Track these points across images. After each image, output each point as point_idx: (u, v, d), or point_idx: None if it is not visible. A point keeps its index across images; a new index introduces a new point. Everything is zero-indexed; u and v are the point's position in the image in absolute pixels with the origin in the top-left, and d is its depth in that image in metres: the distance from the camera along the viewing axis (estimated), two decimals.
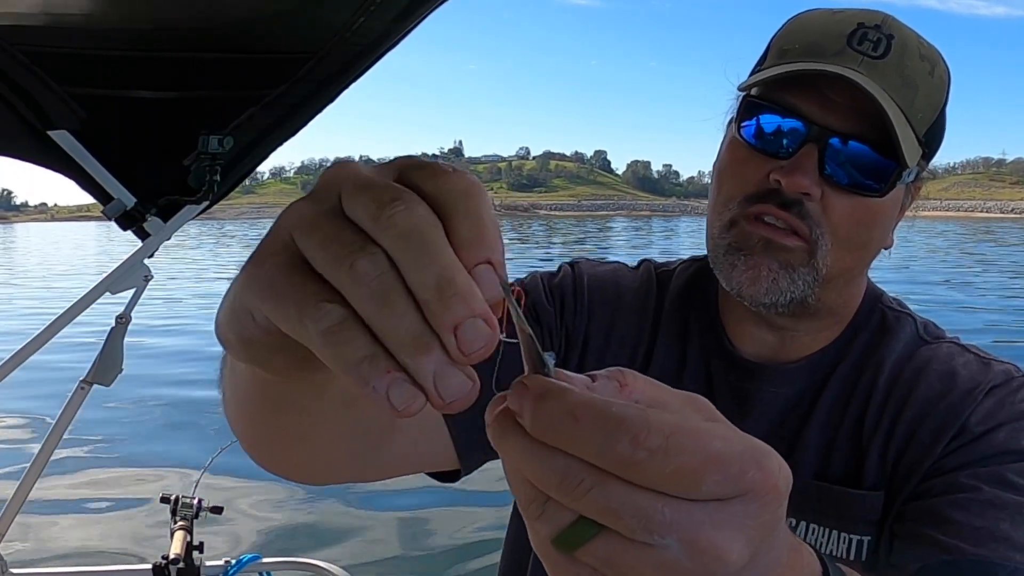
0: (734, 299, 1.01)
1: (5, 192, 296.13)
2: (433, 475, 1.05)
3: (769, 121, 0.95)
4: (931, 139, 0.99)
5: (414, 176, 0.42)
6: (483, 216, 0.40)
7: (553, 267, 1.19)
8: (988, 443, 0.92)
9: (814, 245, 0.94)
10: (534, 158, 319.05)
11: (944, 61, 1.00)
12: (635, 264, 1.21)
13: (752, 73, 1.00)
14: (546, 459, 0.39)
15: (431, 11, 1.69)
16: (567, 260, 1.19)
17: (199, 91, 1.84)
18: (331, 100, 1.89)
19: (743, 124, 0.97)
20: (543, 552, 0.42)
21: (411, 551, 5.34)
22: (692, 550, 0.39)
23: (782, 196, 0.93)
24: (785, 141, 0.94)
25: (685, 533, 0.38)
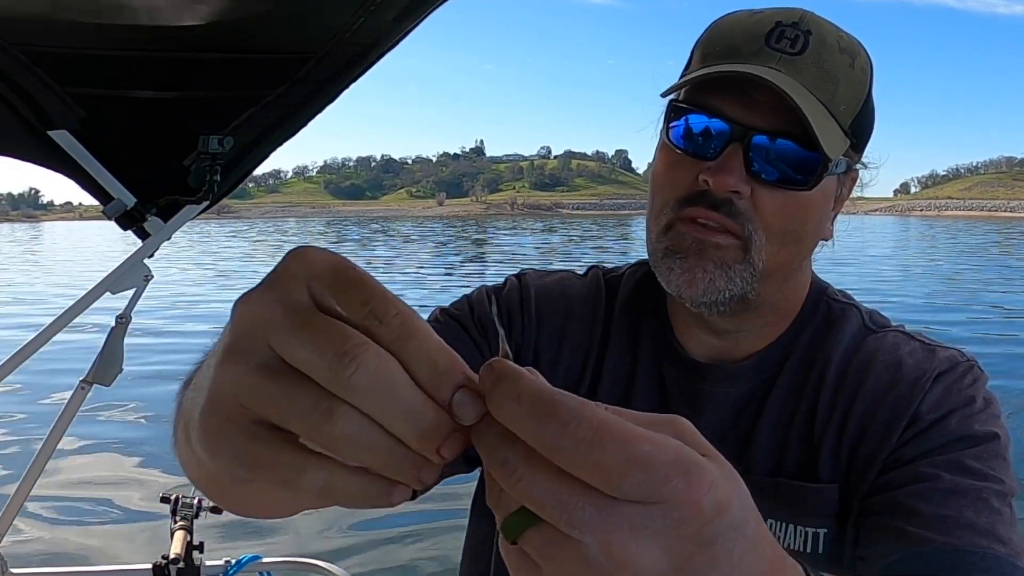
0: (679, 303, 1.03)
1: (32, 191, 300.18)
2: None
3: (695, 124, 0.98)
4: (858, 129, 1.00)
5: (347, 309, 0.43)
6: (430, 349, 0.42)
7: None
8: (942, 431, 0.94)
9: (747, 241, 0.96)
10: (555, 157, 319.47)
11: (865, 52, 1.01)
12: (583, 272, 1.22)
13: (680, 78, 1.02)
14: (495, 449, 0.42)
15: (431, 11, 1.68)
16: (514, 272, 1.20)
17: (199, 91, 1.84)
18: (331, 100, 1.89)
19: (671, 129, 1.00)
20: (504, 550, 0.45)
21: (412, 551, 5.33)
22: (607, 552, 0.40)
23: (712, 197, 0.95)
24: (711, 142, 0.96)
25: (601, 532, 0.40)
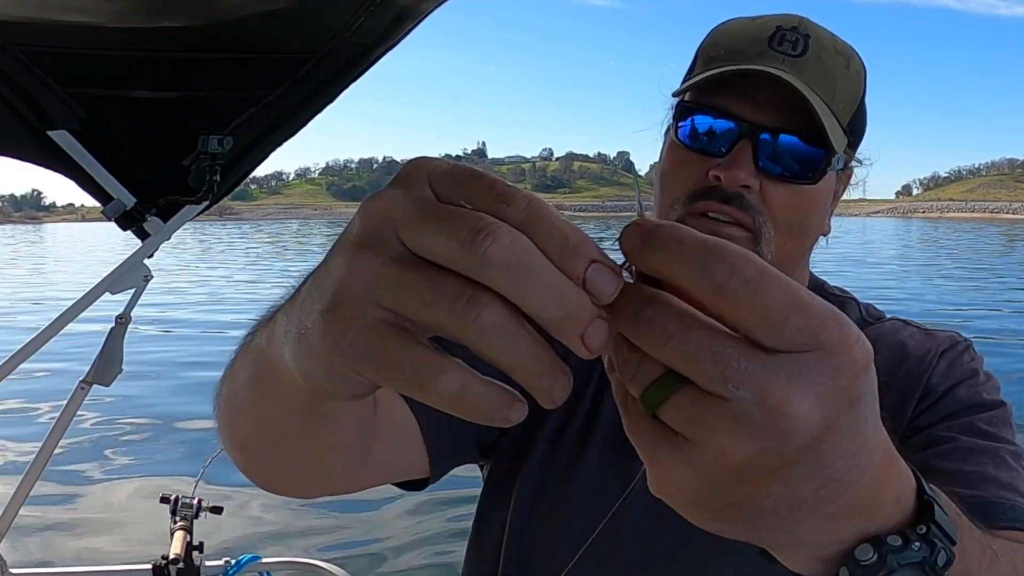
0: None
1: (35, 193, 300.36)
2: (399, 484, 1.06)
3: (703, 123, 1.01)
4: (854, 128, 1.05)
5: (472, 199, 0.42)
6: (561, 226, 0.41)
7: None
8: (952, 400, 0.99)
9: (758, 234, 0.99)
10: (557, 159, 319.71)
11: (858, 56, 1.06)
12: None
13: (683, 81, 1.06)
14: (640, 311, 0.41)
15: (431, 11, 1.68)
16: None
17: (199, 91, 1.84)
18: (331, 100, 1.89)
19: (679, 128, 1.03)
20: (635, 430, 0.44)
21: (411, 550, 5.32)
22: (763, 404, 0.39)
23: (723, 191, 0.98)
24: (720, 140, 1.00)
25: (757, 383, 0.39)
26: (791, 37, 1.00)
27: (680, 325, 0.40)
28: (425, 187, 0.43)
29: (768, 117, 0.98)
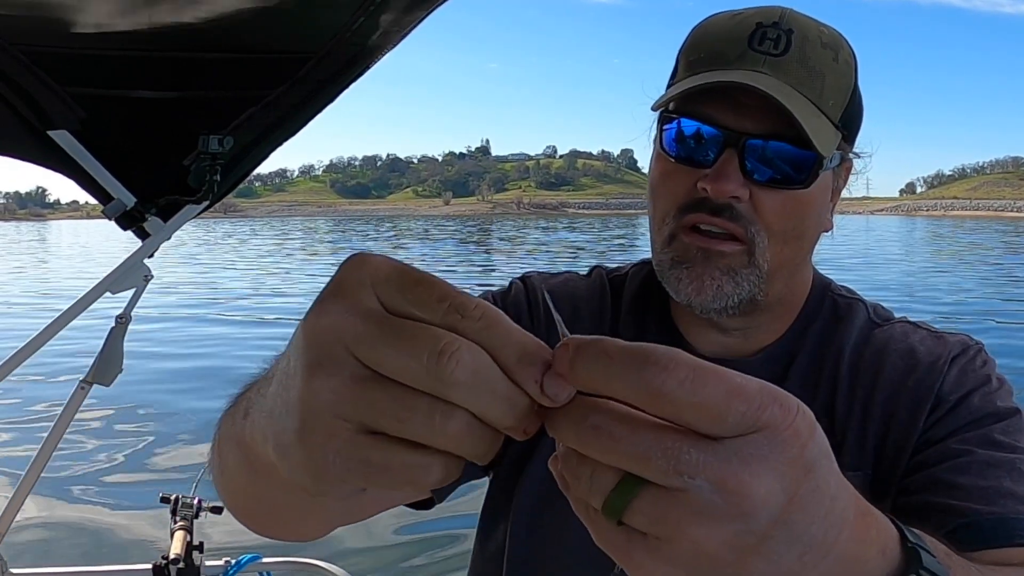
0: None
1: (39, 190, 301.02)
2: (408, 504, 1.06)
3: (688, 133, 0.98)
4: (848, 121, 1.01)
5: (422, 307, 0.42)
6: (515, 335, 0.43)
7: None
8: (966, 409, 0.97)
9: (751, 244, 0.97)
10: (561, 157, 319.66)
11: (847, 43, 1.02)
12: (587, 272, 1.22)
13: (667, 87, 1.03)
14: (583, 418, 0.42)
15: (431, 11, 1.68)
16: (517, 276, 1.19)
17: (199, 91, 1.84)
18: (331, 100, 1.89)
19: (664, 137, 1.00)
20: (605, 540, 0.44)
21: (412, 550, 5.32)
22: (722, 489, 0.40)
23: (711, 203, 0.96)
24: (706, 150, 0.96)
25: (712, 471, 0.40)
26: (772, 34, 0.96)
27: (626, 427, 0.41)
28: (370, 297, 0.43)
29: (752, 123, 0.94)
